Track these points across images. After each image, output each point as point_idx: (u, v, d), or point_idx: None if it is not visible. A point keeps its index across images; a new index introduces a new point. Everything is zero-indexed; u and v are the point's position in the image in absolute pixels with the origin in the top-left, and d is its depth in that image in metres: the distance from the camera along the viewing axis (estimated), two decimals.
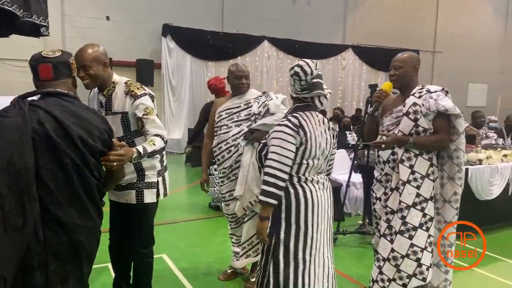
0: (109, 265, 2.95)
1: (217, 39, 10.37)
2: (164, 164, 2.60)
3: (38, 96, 1.75)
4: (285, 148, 2.07)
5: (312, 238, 2.13)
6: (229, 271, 3.37)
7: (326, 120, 2.30)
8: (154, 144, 2.23)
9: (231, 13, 10.94)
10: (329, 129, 2.29)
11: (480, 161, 4.52)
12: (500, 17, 15.37)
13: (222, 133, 3.06)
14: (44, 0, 2.34)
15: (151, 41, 9.96)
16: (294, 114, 2.19)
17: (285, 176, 2.07)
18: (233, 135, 3.01)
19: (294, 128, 2.11)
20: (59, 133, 1.65)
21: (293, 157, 2.09)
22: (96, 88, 2.43)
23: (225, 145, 3.04)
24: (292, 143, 2.08)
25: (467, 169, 4.32)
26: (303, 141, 2.12)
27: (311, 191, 2.15)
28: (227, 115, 3.06)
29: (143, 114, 2.32)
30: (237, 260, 3.22)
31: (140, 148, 2.15)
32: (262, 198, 2.07)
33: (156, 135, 2.30)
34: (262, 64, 11.21)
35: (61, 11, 8.99)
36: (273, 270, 2.13)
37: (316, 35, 11.63)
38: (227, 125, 3.05)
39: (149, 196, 2.49)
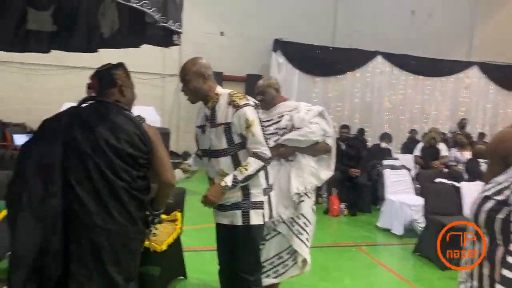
0: None
1: (327, 54, 10.03)
2: (270, 183, 2.45)
3: (88, 102, 1.96)
4: None
5: None
6: None
7: None
8: (246, 169, 2.22)
9: (344, 28, 10.57)
10: None
11: None
12: None
13: None
14: (181, 4, 2.18)
15: (261, 56, 10.00)
16: None
17: None
18: None
19: None
20: (85, 134, 1.80)
21: None
22: (202, 101, 2.41)
23: None
24: None
25: None
26: None
27: None
28: None
29: (245, 127, 2.25)
30: None
31: (228, 179, 2.22)
32: None
33: (254, 153, 2.24)
34: (374, 80, 10.52)
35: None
36: None
37: (436, 50, 10.60)
38: None
39: (255, 217, 2.33)
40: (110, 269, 1.80)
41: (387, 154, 7.35)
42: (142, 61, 7.77)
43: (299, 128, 2.79)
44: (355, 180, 6.27)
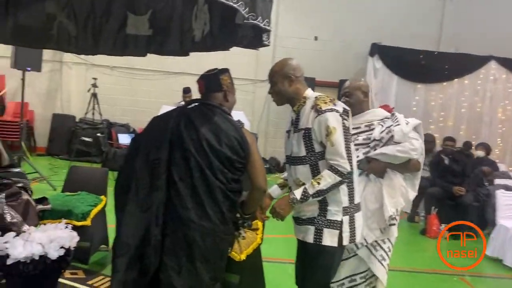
0: None
1: (430, 59, 9.20)
2: (356, 202, 2.18)
3: (194, 104, 2.07)
4: None
5: None
6: None
7: None
8: (318, 183, 2.03)
9: (451, 31, 9.68)
10: None
11: None
12: None
13: None
14: (270, 0, 2.06)
15: (357, 61, 9.57)
16: None
17: None
18: None
19: None
20: (190, 134, 1.89)
21: None
22: (289, 105, 2.29)
23: None
24: None
25: None
26: None
27: None
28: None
29: (326, 135, 2.05)
30: None
31: (298, 192, 2.07)
32: None
33: (330, 166, 2.04)
34: (485, 88, 9.38)
35: (274, 32, 9.46)
36: None
37: None
38: None
39: (328, 238, 2.09)
40: (199, 265, 1.85)
41: (488, 165, 6.47)
42: (235, 66, 7.85)
43: (398, 142, 2.48)
44: (459, 199, 5.59)
